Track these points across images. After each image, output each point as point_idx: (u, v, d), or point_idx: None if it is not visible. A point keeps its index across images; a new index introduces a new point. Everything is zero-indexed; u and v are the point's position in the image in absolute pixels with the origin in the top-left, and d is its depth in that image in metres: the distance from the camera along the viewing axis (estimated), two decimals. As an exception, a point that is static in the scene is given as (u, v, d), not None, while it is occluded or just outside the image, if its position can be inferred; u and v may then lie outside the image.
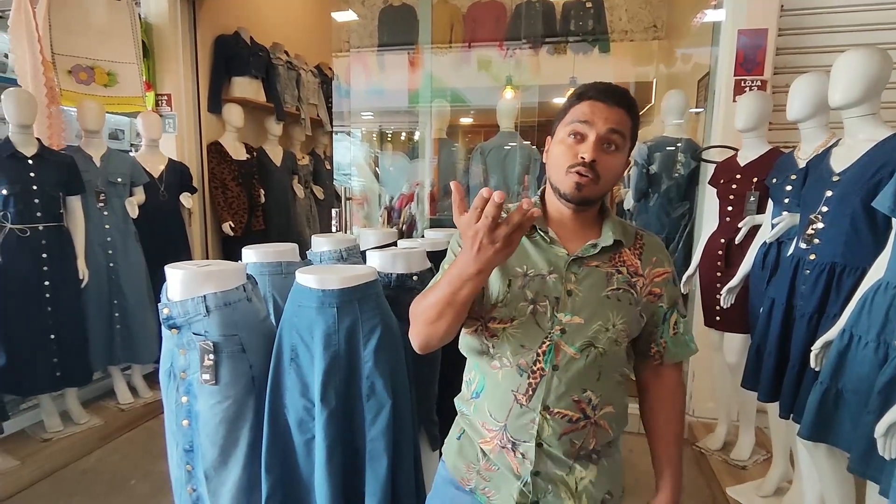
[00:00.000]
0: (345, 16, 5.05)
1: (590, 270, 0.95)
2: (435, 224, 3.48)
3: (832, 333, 1.46)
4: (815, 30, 2.41)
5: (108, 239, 2.75)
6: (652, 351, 1.03)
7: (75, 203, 2.55)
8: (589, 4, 4.38)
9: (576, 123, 0.92)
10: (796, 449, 1.82)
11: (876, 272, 1.40)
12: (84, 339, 2.59)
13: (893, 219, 1.37)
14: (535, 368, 0.93)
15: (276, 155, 3.99)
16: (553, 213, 1.01)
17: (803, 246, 1.67)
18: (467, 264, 0.80)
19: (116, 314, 2.80)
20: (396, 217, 4.83)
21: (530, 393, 0.93)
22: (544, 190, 1.03)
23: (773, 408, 1.87)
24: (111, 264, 2.76)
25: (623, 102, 0.93)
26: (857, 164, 1.55)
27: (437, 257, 1.33)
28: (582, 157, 0.90)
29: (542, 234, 0.98)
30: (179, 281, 1.25)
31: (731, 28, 2.46)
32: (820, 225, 1.62)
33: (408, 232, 4.24)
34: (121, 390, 2.94)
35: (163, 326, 1.29)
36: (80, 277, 2.55)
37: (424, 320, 0.92)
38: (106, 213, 2.75)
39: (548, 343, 0.93)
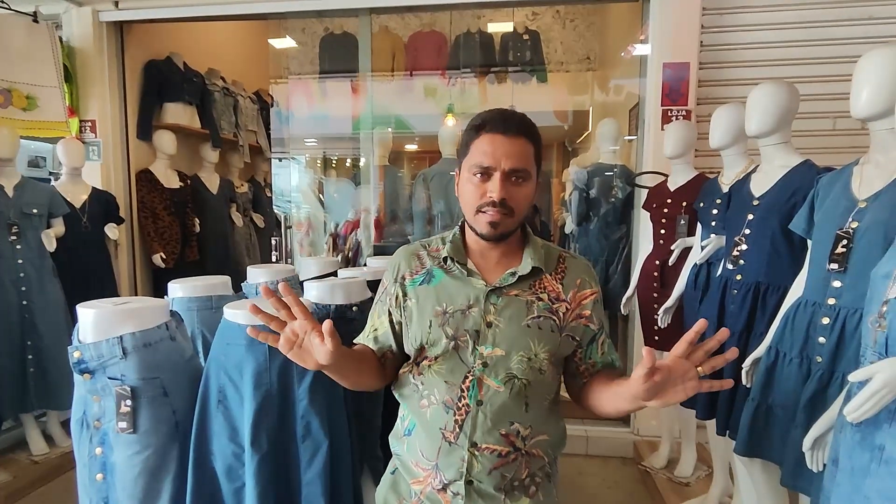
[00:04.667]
0: (283, 43, 5.01)
1: (509, 300, 0.93)
2: (379, 251, 3.43)
3: (760, 350, 1.52)
4: (731, 64, 2.58)
5: (22, 275, 2.53)
6: (580, 369, 1.01)
7: (-18, 237, 2.35)
8: (526, 37, 4.55)
9: (479, 165, 0.89)
10: (734, 464, 1.86)
11: (796, 290, 1.47)
12: (-9, 386, 2.35)
13: (808, 240, 1.45)
14: (460, 405, 0.91)
15: (212, 182, 3.84)
16: (472, 244, 0.99)
17: (730, 267, 1.75)
18: None
19: (30, 356, 2.55)
20: (342, 244, 4.74)
21: (457, 430, 0.90)
22: (464, 222, 1.00)
23: (712, 425, 1.91)
24: (24, 302, 2.53)
25: (522, 130, 0.90)
26: (774, 189, 1.64)
27: (378, 287, 1.28)
28: (490, 197, 0.89)
29: (460, 266, 0.96)
30: (92, 321, 1.15)
31: (657, 61, 2.60)
32: (744, 247, 1.70)
33: (354, 258, 4.18)
34: (34, 440, 2.67)
35: (73, 372, 1.18)
36: (-13, 317, 2.33)
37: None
38: (19, 246, 2.53)
39: (471, 378, 0.91)
